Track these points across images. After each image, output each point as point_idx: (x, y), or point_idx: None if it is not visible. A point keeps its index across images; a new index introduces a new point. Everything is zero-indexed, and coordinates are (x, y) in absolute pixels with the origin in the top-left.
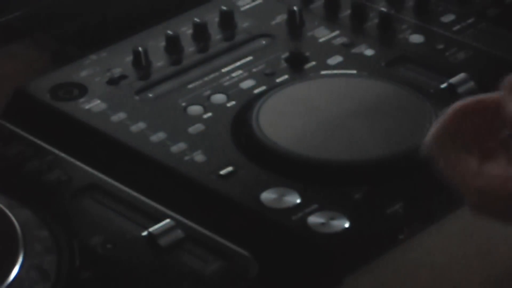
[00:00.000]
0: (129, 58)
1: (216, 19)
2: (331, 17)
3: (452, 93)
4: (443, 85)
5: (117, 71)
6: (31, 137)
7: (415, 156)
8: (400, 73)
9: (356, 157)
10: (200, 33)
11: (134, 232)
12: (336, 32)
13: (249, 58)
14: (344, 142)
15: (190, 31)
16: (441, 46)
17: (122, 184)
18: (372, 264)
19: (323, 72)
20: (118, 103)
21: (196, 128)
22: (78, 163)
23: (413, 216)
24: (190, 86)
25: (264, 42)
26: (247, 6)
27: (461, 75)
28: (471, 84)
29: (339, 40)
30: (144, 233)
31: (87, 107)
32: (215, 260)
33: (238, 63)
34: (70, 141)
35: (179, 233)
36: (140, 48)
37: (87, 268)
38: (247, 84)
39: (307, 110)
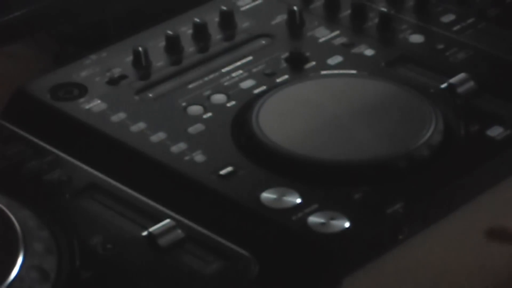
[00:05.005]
0: (129, 58)
1: (216, 19)
2: (331, 17)
3: (452, 93)
4: (443, 85)
5: (117, 71)
6: (31, 137)
7: (415, 156)
8: (400, 73)
9: (356, 157)
10: (200, 33)
11: (134, 232)
12: (336, 32)
13: (249, 58)
14: (344, 142)
15: (190, 31)
16: (441, 46)
17: (122, 184)
18: (372, 264)
19: (323, 72)
20: (118, 103)
21: (196, 128)
22: (78, 163)
23: (413, 216)
24: (190, 86)
25: (264, 42)
26: (247, 6)
27: (461, 75)
28: (471, 84)
29: (339, 40)
30: (144, 233)
31: (87, 107)
32: (215, 260)
33: (238, 63)
34: (70, 141)
35: (179, 233)
36: (140, 48)
37: (87, 268)
38: (247, 84)
39: (307, 110)
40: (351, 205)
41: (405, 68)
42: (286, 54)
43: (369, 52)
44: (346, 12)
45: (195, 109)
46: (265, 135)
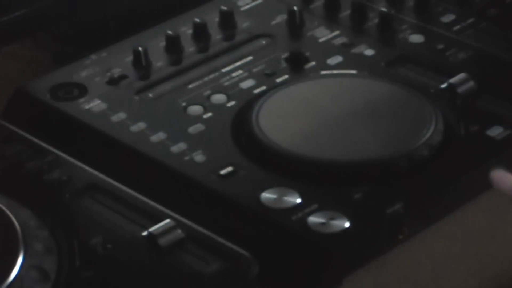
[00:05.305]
0: (129, 58)
1: (216, 19)
2: (331, 17)
3: (452, 93)
4: (443, 85)
5: (117, 71)
6: (31, 137)
7: (415, 156)
8: (400, 73)
9: (356, 157)
10: (200, 33)
11: (134, 232)
12: (336, 32)
13: (249, 58)
14: (344, 142)
15: (190, 31)
16: (441, 46)
17: (122, 184)
18: (372, 264)
19: (323, 72)
20: (118, 103)
21: (196, 128)
22: (78, 163)
23: (413, 216)
24: (190, 86)
25: (264, 42)
26: (247, 6)
27: (461, 75)
28: (471, 84)
29: (339, 40)
30: (144, 233)
31: (87, 107)
32: (215, 260)
33: (238, 63)
34: (70, 141)
35: (179, 233)
36: (140, 48)
37: (87, 268)
38: (247, 84)
39: (307, 110)
40: (351, 205)
41: (405, 68)
42: (286, 54)
43: (369, 52)
44: (346, 12)
45: (195, 109)
46: (265, 135)
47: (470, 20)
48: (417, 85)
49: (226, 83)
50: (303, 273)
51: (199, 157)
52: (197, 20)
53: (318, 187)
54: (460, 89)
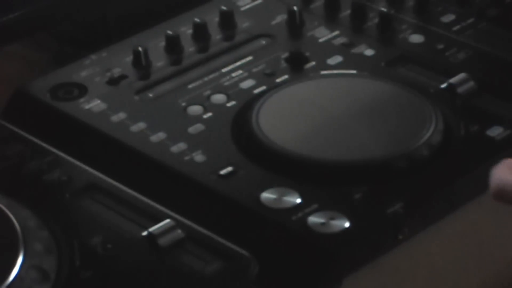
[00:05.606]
0: (129, 58)
1: (216, 19)
2: (331, 17)
3: (452, 93)
4: (443, 85)
5: (117, 71)
6: (31, 137)
7: (415, 156)
8: (400, 73)
9: (356, 157)
10: (200, 33)
11: (134, 232)
12: (336, 32)
13: (249, 58)
14: (344, 142)
15: (190, 31)
16: (441, 46)
17: (122, 184)
18: (372, 264)
19: (323, 72)
20: (118, 103)
21: (196, 128)
22: (78, 163)
23: (413, 216)
24: (190, 86)
25: (264, 42)
26: (247, 6)
27: (461, 75)
28: (471, 84)
29: (339, 40)
30: (144, 233)
31: (87, 107)
32: (215, 260)
33: (238, 63)
34: (70, 141)
35: (179, 233)
36: (140, 48)
37: (87, 268)
38: (247, 84)
39: (307, 110)
40: (351, 205)
41: (405, 68)
42: (286, 54)
43: (369, 52)
44: (346, 12)
45: (195, 109)
46: (265, 135)
47: (470, 20)
48: (417, 85)
49: (226, 83)
50: (303, 273)
51: (199, 157)
52: (197, 20)
53: (318, 187)
54: (460, 89)
